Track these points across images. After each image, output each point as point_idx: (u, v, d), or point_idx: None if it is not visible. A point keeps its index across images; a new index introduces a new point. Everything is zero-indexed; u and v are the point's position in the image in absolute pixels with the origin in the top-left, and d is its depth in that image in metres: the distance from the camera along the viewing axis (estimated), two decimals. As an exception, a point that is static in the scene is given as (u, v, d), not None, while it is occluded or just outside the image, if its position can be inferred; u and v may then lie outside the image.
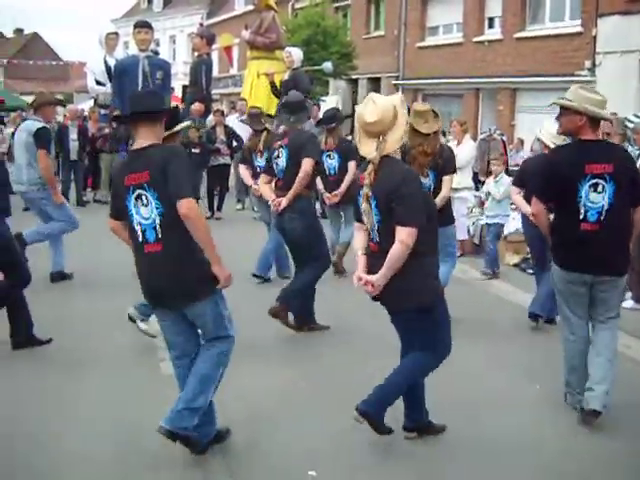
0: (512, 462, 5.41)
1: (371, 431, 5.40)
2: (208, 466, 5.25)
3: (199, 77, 17.85)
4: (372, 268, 5.29)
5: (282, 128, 7.89)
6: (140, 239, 5.08)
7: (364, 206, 5.21)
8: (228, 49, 26.53)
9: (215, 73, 18.72)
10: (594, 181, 5.82)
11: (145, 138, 5.10)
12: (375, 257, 5.29)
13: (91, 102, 18.38)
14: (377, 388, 5.38)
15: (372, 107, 5.12)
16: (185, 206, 4.89)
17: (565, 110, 5.99)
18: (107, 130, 16.83)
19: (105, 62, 17.55)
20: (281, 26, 19.31)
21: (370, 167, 5.15)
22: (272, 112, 15.79)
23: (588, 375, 6.07)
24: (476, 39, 28.09)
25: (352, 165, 9.82)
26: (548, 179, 6.09)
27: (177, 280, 5.07)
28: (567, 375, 6.31)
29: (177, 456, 5.33)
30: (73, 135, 18.30)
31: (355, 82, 34.34)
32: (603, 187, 5.82)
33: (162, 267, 5.06)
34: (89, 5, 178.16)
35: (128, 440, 5.60)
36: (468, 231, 12.64)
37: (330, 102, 23.82)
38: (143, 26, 16.64)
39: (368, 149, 5.20)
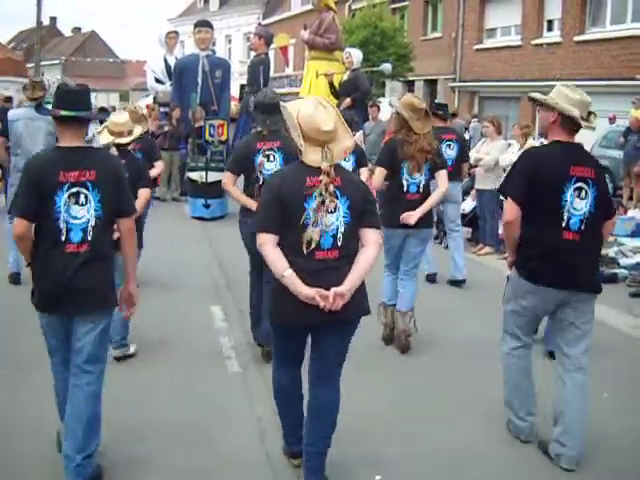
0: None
1: (439, 439, 5.33)
2: (276, 468, 5.25)
3: (257, 76, 17.89)
4: (322, 278, 4.65)
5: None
6: (62, 238, 4.81)
7: (323, 215, 4.63)
8: (284, 49, 26.47)
9: (271, 73, 18.70)
10: (579, 185, 5.31)
11: (76, 137, 4.96)
12: (327, 265, 4.70)
13: (147, 100, 18.49)
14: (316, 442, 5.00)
15: (326, 114, 4.72)
16: (131, 222, 5.10)
17: (541, 106, 5.55)
18: (167, 128, 16.89)
19: (165, 60, 17.75)
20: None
21: (326, 178, 4.63)
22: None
23: (531, 400, 5.77)
24: (535, 42, 27.82)
25: (365, 171, 9.29)
26: (530, 179, 5.34)
27: (95, 282, 4.90)
28: (508, 395, 5.84)
29: (247, 456, 5.37)
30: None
31: (411, 84, 34.19)
32: (586, 193, 5.32)
33: (84, 268, 4.84)
34: (145, 4, 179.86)
35: (198, 440, 5.60)
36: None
37: (387, 104, 23.78)
38: (204, 25, 16.85)
39: (316, 157, 4.71)
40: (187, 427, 5.77)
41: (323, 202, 4.63)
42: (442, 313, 8.96)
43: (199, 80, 15.91)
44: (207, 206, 15.05)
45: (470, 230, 13.75)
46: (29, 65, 59.68)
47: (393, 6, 35.95)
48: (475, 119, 26.16)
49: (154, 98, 17.97)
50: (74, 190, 4.80)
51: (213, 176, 15.15)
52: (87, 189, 4.84)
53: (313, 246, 4.65)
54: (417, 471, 5.29)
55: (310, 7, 26.57)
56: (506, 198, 5.51)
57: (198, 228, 13.97)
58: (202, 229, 14.01)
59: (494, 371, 6.22)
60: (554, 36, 27.32)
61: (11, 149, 9.79)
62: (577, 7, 25.93)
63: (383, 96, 28.62)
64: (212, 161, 15.31)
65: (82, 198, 4.83)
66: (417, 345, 7.89)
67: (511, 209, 5.40)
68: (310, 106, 4.72)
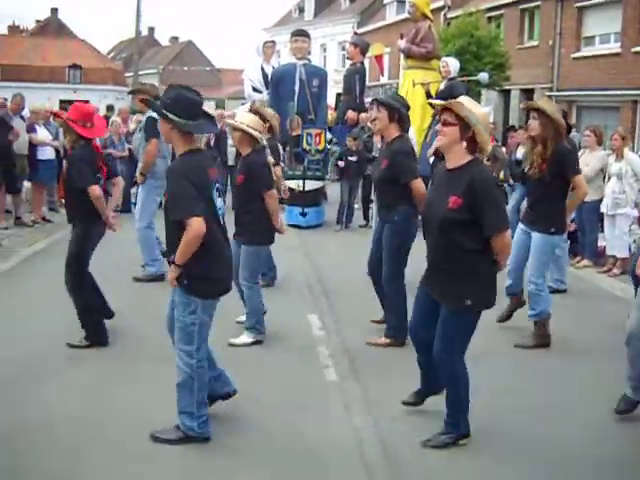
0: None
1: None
2: (374, 476, 5.26)
3: (353, 85, 17.96)
4: None
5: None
6: (220, 225, 5.49)
7: None
8: (379, 58, 26.47)
9: (366, 82, 18.74)
10: None
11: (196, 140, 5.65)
12: None
13: (244, 108, 18.63)
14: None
15: None
16: None
17: None
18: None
19: (262, 69, 17.86)
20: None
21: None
22: (426, 123, 15.70)
23: None
24: (635, 49, 27.23)
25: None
26: None
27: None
28: None
29: (344, 464, 5.38)
30: (231, 140, 18.50)
31: (507, 93, 33.83)
32: None
33: (229, 249, 5.70)
34: (241, 14, 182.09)
35: (296, 447, 5.62)
36: (629, 249, 12.21)
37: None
38: (300, 35, 16.94)
39: None
40: (284, 434, 5.80)
41: None
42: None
43: (296, 89, 15.99)
44: (304, 214, 15.14)
45: (568, 242, 13.54)
46: (128, 74, 60.97)
47: (489, 14, 35.58)
48: (573, 129, 25.76)
49: (250, 109, 18.15)
50: (217, 185, 5.52)
51: (310, 184, 15.25)
52: (218, 183, 5.56)
53: None
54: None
55: (406, 16, 26.46)
56: None
57: (294, 236, 14.04)
58: (298, 237, 14.09)
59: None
60: (656, 43, 26.76)
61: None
62: (680, 13, 25.36)
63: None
64: (309, 170, 15.39)
65: (219, 192, 5.53)
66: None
67: None
68: (479, 105, 5.46)
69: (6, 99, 15.73)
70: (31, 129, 14.88)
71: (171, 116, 5.26)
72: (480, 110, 5.29)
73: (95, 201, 7.38)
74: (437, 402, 5.91)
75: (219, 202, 5.48)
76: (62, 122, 8.29)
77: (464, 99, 5.40)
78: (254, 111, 8.79)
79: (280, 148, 11.47)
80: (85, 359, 7.30)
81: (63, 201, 8.29)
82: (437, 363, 5.61)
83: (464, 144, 5.28)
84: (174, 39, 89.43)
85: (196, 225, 5.12)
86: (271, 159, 8.41)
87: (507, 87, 32.41)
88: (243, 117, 7.98)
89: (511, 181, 13.52)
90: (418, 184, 7.60)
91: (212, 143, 17.97)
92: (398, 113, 7.57)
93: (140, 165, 10.49)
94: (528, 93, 32.96)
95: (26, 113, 15.56)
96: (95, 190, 7.36)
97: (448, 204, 5.25)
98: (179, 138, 5.36)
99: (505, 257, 5.48)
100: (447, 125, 5.30)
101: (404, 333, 7.66)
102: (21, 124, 14.50)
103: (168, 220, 5.39)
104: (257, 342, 7.91)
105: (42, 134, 15.16)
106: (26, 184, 15.32)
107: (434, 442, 5.58)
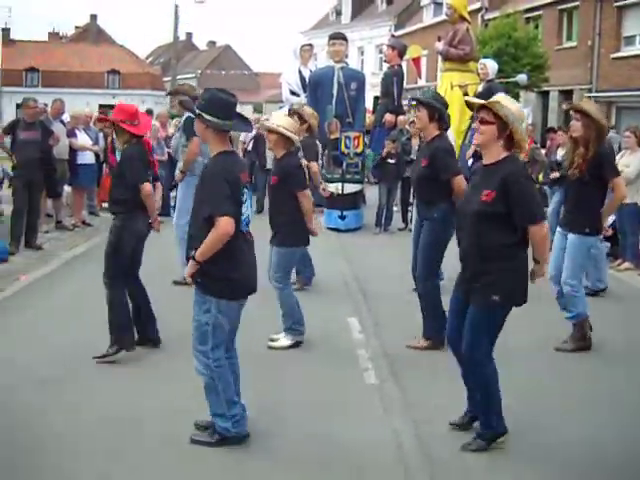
0: None
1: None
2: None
3: (390, 88, 17.90)
4: None
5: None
6: (242, 229, 5.43)
7: None
8: (416, 60, 26.38)
9: (404, 84, 18.65)
10: None
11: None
12: None
13: (282, 111, 18.66)
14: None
15: None
16: None
17: None
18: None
19: (300, 73, 17.88)
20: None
21: None
22: (465, 125, 15.63)
23: None
24: (676, 49, 26.95)
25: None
26: None
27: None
28: None
29: (383, 467, 5.36)
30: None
31: (546, 94, 33.57)
32: None
33: (253, 252, 5.62)
34: (278, 18, 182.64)
35: (334, 449, 5.60)
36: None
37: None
38: (338, 37, 16.90)
39: None
40: (323, 436, 5.79)
41: None
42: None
43: (334, 92, 15.97)
44: (342, 217, 15.14)
45: (609, 244, 13.41)
46: (166, 79, 61.34)
47: (527, 16, 35.35)
48: (612, 130, 25.51)
49: (289, 110, 18.18)
50: (245, 190, 5.50)
51: (349, 188, 15.25)
52: (247, 189, 5.55)
53: None
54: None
55: (443, 18, 26.43)
56: None
57: (333, 239, 14.05)
58: (337, 240, 14.09)
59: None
60: (697, 42, 26.43)
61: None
62: None
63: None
64: (348, 173, 15.41)
65: (248, 196, 5.56)
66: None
67: None
68: (515, 102, 5.46)
69: (46, 104, 15.85)
70: (71, 134, 15.02)
71: (206, 116, 5.33)
72: (515, 106, 5.31)
73: (145, 198, 7.42)
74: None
75: (244, 206, 5.48)
76: (111, 125, 8.37)
77: (501, 97, 5.40)
78: (293, 112, 8.77)
79: (319, 146, 11.47)
80: (122, 360, 7.35)
81: (103, 204, 8.37)
82: (465, 361, 5.60)
83: (501, 142, 5.32)
84: (212, 43, 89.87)
85: (224, 224, 5.16)
86: (304, 161, 8.42)
87: (546, 88, 32.17)
88: (278, 119, 7.99)
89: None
90: (459, 180, 7.61)
91: (250, 147, 18.05)
92: (438, 112, 7.59)
93: (180, 164, 10.48)
94: (567, 94, 32.73)
95: (66, 118, 15.70)
96: (147, 187, 7.41)
97: (482, 197, 5.28)
98: (214, 138, 5.43)
99: (543, 252, 5.47)
100: (485, 123, 5.32)
101: (442, 334, 7.62)
102: (61, 129, 14.60)
103: (194, 217, 5.47)
104: (296, 343, 7.92)
105: (82, 139, 15.32)
106: (66, 188, 15.45)
107: (474, 446, 5.54)
